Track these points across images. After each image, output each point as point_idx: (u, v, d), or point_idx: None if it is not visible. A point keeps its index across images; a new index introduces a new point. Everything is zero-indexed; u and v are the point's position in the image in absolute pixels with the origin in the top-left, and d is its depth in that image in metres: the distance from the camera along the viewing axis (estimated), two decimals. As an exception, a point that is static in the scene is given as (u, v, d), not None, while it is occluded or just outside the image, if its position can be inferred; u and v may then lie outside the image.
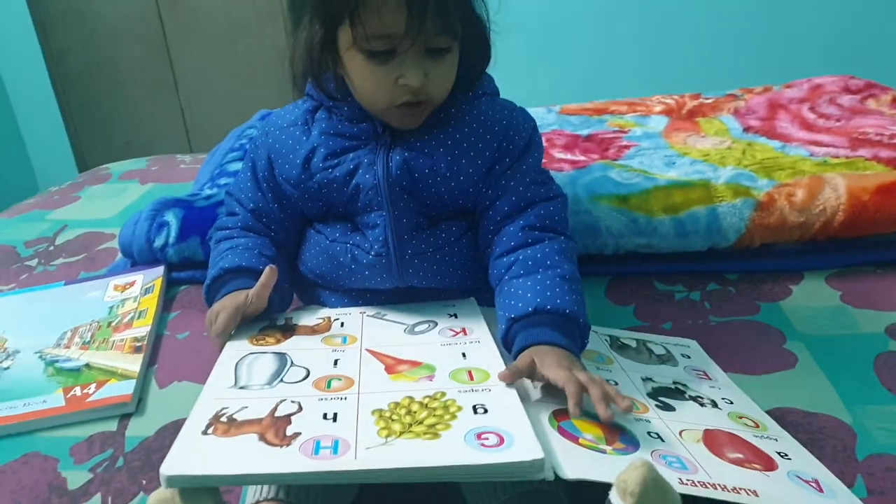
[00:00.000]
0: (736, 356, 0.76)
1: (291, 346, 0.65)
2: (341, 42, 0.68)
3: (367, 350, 0.64)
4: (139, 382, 0.74)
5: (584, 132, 1.22)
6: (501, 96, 0.80)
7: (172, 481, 0.45)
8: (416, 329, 0.69)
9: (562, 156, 1.11)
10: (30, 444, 0.67)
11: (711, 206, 0.92)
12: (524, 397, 0.56)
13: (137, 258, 0.99)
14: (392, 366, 0.61)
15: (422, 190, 0.72)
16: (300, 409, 0.53)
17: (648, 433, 0.55)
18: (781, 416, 0.67)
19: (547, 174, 0.78)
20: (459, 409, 0.53)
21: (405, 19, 0.63)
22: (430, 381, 0.58)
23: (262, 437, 0.49)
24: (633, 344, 0.76)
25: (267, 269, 0.70)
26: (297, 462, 0.47)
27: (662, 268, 0.94)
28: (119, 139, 2.92)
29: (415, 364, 0.62)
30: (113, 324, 0.86)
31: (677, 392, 0.65)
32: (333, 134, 0.74)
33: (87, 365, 0.77)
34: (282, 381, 0.58)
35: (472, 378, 0.58)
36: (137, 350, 0.79)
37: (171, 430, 0.68)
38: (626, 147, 1.13)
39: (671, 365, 0.72)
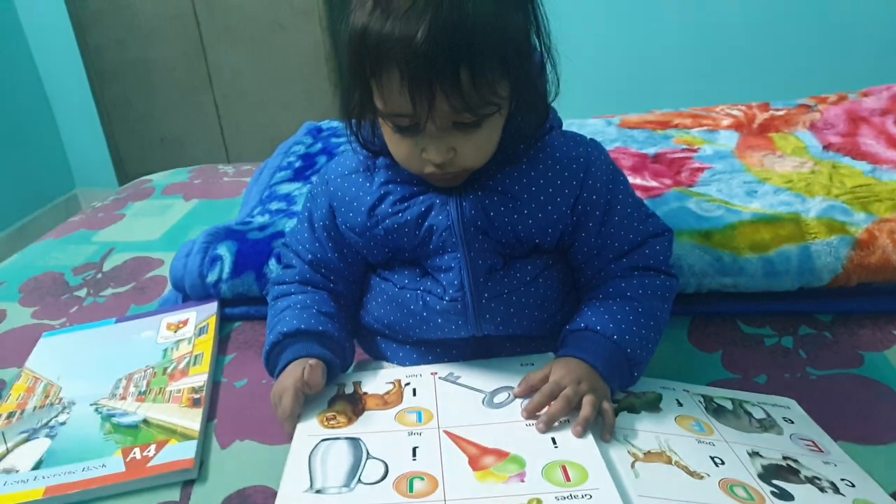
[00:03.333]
0: (846, 420, 0.69)
1: (364, 427, 0.62)
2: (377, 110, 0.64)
3: (445, 433, 0.59)
4: (200, 443, 0.70)
5: (651, 151, 1.15)
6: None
7: None
8: (496, 400, 0.64)
9: (631, 180, 1.03)
10: (91, 516, 0.64)
11: (804, 244, 0.84)
12: (633, 499, 0.51)
13: (189, 293, 0.95)
14: (476, 458, 0.56)
15: (497, 229, 0.68)
16: None
17: None
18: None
19: (647, 208, 0.74)
20: None
21: (410, 104, 0.58)
22: (522, 481, 0.53)
23: None
24: (730, 406, 0.70)
25: (307, 368, 0.65)
26: None
27: (748, 308, 0.87)
28: (154, 136, 2.91)
29: (501, 455, 0.56)
30: (168, 370, 0.82)
31: (790, 471, 0.59)
32: (401, 181, 0.70)
33: (146, 420, 0.73)
34: (360, 480, 0.54)
35: (567, 478, 0.53)
36: (196, 403, 0.76)
37: (236, 502, 0.64)
38: (700, 170, 1.06)
39: (775, 433, 0.66)
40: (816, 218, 0.87)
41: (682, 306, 0.87)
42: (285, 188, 1.16)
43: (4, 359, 0.90)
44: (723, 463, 0.58)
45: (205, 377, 0.80)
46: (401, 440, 0.59)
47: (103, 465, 0.67)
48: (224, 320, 0.93)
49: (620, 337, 0.66)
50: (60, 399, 0.78)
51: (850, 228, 0.85)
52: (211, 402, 0.78)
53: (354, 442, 0.60)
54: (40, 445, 0.70)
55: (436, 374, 0.69)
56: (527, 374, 0.66)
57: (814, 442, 0.65)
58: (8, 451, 0.70)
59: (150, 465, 0.67)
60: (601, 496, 0.51)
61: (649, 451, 0.59)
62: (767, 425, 0.67)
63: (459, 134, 0.62)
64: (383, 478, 0.54)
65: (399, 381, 0.68)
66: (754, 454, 0.61)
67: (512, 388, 0.66)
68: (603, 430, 0.61)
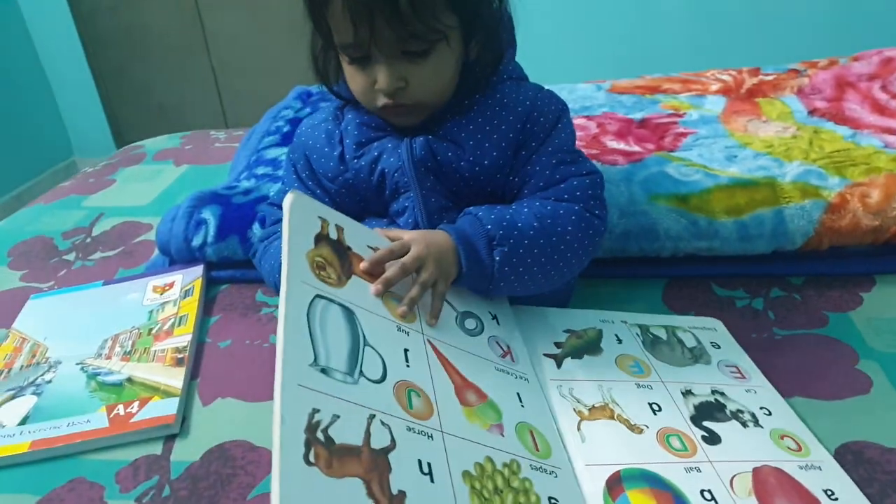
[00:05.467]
0: (804, 378, 0.72)
1: (355, 296, 0.57)
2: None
3: (430, 344, 0.60)
4: (182, 401, 0.72)
5: (638, 116, 1.15)
6: (537, 78, 0.77)
7: None
8: (467, 325, 0.66)
9: (615, 145, 1.04)
10: (76, 469, 0.66)
11: (777, 207, 0.85)
12: (577, 466, 0.55)
13: (175, 257, 0.97)
14: (461, 389, 0.58)
15: (446, 174, 0.71)
16: (393, 443, 0.47)
17: (702, 493, 0.54)
18: (859, 452, 0.63)
19: (579, 153, 0.74)
20: (538, 499, 0.51)
21: (352, 30, 0.62)
22: (502, 435, 0.56)
23: (369, 489, 0.43)
24: (664, 335, 0.75)
25: None
26: None
27: (722, 270, 0.89)
28: (152, 102, 2.90)
29: (481, 395, 0.59)
30: (153, 331, 0.84)
31: (718, 407, 0.65)
32: (360, 124, 0.74)
33: (130, 379, 0.76)
34: (362, 373, 0.51)
35: (537, 447, 0.57)
36: (179, 362, 0.78)
37: (216, 455, 0.67)
38: (683, 135, 1.06)
39: (704, 362, 0.72)
40: (792, 182, 0.88)
41: (657, 268, 0.89)
42: (273, 153, 1.17)
43: (-7, 320, 0.92)
44: (660, 409, 0.63)
45: (189, 337, 0.82)
46: (391, 333, 0.58)
47: (88, 421, 0.70)
48: (210, 283, 0.95)
49: (486, 215, 0.67)
50: (47, 358, 0.80)
51: (823, 192, 0.86)
52: (195, 361, 0.80)
53: (349, 315, 0.55)
54: (26, 402, 0.73)
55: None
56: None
57: (737, 368, 0.71)
58: (-4, 408, 0.73)
59: (132, 420, 0.70)
60: (563, 475, 0.55)
61: (593, 406, 0.63)
62: (698, 354, 0.73)
63: (409, 64, 0.65)
64: (383, 378, 0.52)
65: (378, 248, 0.65)
66: (687, 393, 0.66)
67: (479, 318, 0.68)
68: (429, 314, 0.63)
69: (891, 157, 0.93)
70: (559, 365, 0.68)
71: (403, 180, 0.71)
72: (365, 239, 0.65)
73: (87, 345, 0.82)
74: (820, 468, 0.58)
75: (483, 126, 0.70)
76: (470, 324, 0.67)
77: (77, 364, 0.79)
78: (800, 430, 0.63)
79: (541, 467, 0.54)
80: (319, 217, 0.61)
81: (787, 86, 1.22)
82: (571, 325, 0.73)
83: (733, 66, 1.39)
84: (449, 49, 0.66)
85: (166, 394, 0.73)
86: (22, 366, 0.79)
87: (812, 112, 1.11)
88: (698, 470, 0.56)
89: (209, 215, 0.95)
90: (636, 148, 1.03)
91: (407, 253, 0.63)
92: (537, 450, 0.56)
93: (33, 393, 0.74)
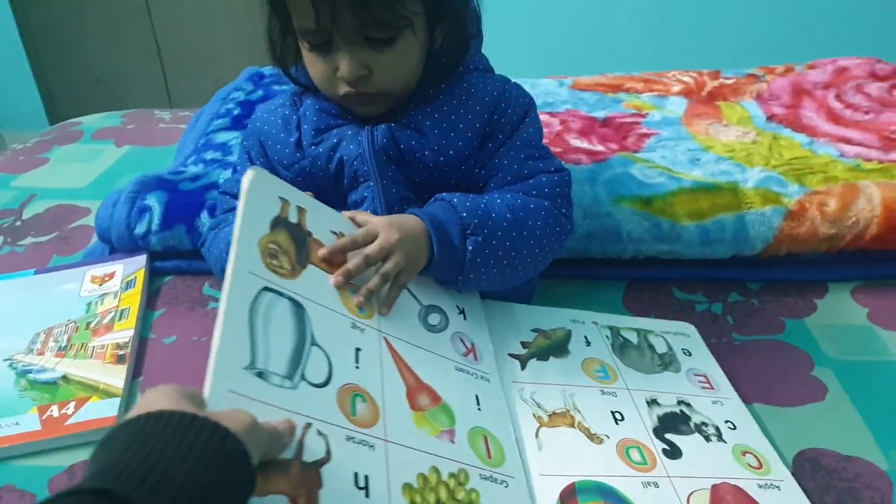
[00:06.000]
0: (763, 384, 0.72)
1: (308, 290, 0.53)
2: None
3: (386, 342, 0.57)
4: (124, 401, 0.68)
5: (601, 114, 1.14)
6: (500, 70, 0.76)
7: None
8: (430, 320, 0.63)
9: (578, 143, 1.03)
10: (3, 475, 0.61)
11: (739, 213, 0.86)
12: (535, 480, 0.54)
13: (116, 245, 0.91)
14: (413, 391, 0.55)
15: (409, 163, 0.68)
16: (328, 455, 0.44)
17: None
18: (815, 459, 0.63)
19: (546, 150, 0.73)
20: None
21: (313, 15, 0.59)
22: (452, 441, 0.53)
23: None
24: (634, 339, 0.74)
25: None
26: None
27: (682, 274, 0.89)
28: (90, 75, 2.74)
29: (435, 398, 0.56)
30: (92, 325, 0.78)
31: (683, 419, 0.64)
32: (319, 110, 0.71)
33: (65, 377, 0.70)
34: (303, 377, 0.48)
35: (489, 454, 0.54)
36: (120, 360, 0.73)
37: (160, 461, 0.62)
38: (646, 136, 1.06)
39: (674, 370, 0.71)
40: (754, 188, 0.89)
41: (618, 270, 0.89)
42: (222, 136, 1.11)
43: (-88, 309, 0.84)
44: (623, 419, 0.62)
45: (131, 332, 0.77)
46: (343, 330, 0.54)
47: (17, 423, 0.64)
48: (153, 274, 0.89)
49: (460, 202, 0.64)
50: (-28, 353, 0.74)
51: (783, 199, 0.87)
52: (137, 358, 0.75)
53: (299, 310, 0.51)
54: (-52, 402, 0.67)
55: None
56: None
57: (706, 377, 0.71)
58: (-88, 408, 0.66)
59: (67, 423, 0.65)
60: (515, 485, 0.53)
61: (554, 413, 0.61)
62: (667, 361, 0.72)
63: (372, 51, 0.62)
64: (327, 381, 0.49)
65: (342, 234, 0.61)
66: (652, 402, 0.66)
67: (444, 313, 0.65)
68: (382, 303, 0.59)
69: (846, 166, 0.95)
70: (523, 366, 0.66)
71: (363, 169, 0.68)
72: (330, 223, 0.61)
73: (16, 339, 0.76)
74: (779, 487, 0.59)
75: (448, 115, 0.68)
76: (433, 319, 0.64)
77: (5, 360, 0.73)
78: (762, 447, 0.63)
79: (491, 476, 0.52)
80: (280, 198, 0.56)
81: (747, 90, 1.24)
82: (540, 324, 0.72)
83: (689, 67, 1.40)
84: (414, 37, 0.63)
85: (106, 394, 0.68)
86: (-58, 361, 0.73)
87: (770, 118, 1.13)
88: (656, 485, 0.56)
89: (154, 202, 0.90)
90: (600, 147, 1.02)
91: (373, 241, 0.59)
92: (489, 457, 0.54)
93: (-45, 392, 0.68)
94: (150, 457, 0.32)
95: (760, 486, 0.58)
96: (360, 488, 0.44)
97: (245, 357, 0.45)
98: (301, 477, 0.42)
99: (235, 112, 1.19)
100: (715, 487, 0.57)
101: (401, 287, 0.61)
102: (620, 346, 0.72)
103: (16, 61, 2.71)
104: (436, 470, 0.50)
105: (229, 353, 0.44)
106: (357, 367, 0.52)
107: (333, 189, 0.72)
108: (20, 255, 0.95)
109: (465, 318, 0.67)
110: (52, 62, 2.71)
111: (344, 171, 0.70)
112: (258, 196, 0.54)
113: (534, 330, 0.71)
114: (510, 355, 0.67)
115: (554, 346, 0.69)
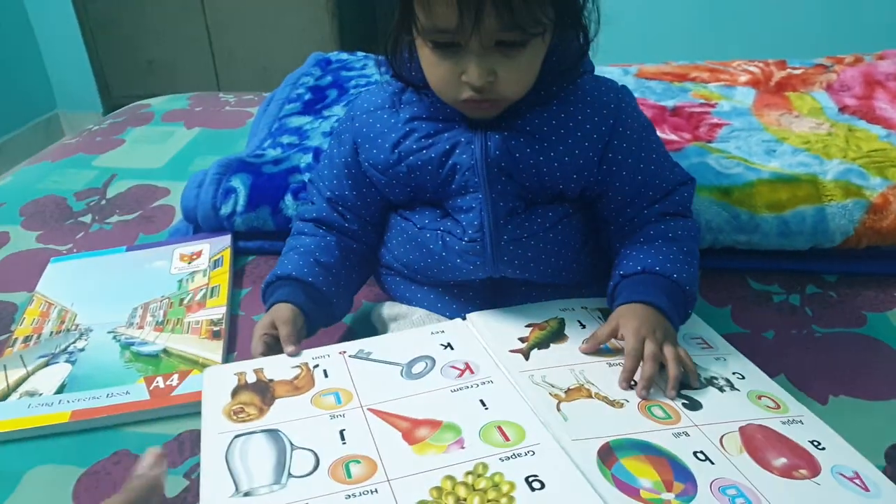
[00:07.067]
0: (847, 377, 0.72)
1: (280, 417, 0.57)
2: (416, 28, 0.62)
3: (370, 410, 0.57)
4: (223, 375, 0.71)
5: (670, 103, 1.14)
6: None
7: None
8: (414, 371, 0.63)
9: (650, 132, 1.03)
10: (119, 441, 0.64)
11: (820, 205, 0.85)
12: (567, 445, 0.53)
13: (202, 224, 0.94)
14: (409, 431, 0.55)
15: (522, 171, 0.67)
16: None
17: (696, 455, 0.53)
18: (907, 456, 0.63)
19: (669, 155, 0.74)
20: (512, 486, 0.49)
21: (456, 15, 0.57)
22: (462, 447, 0.53)
23: None
24: None
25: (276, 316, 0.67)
26: None
27: (758, 265, 0.89)
28: (141, 59, 2.80)
29: (434, 425, 0.55)
30: (185, 301, 0.81)
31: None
32: (427, 118, 0.69)
33: (166, 351, 0.74)
34: (291, 474, 0.50)
35: (506, 438, 0.54)
36: (216, 335, 0.76)
37: (262, 432, 0.65)
38: (718, 126, 1.06)
39: None
40: (834, 180, 0.88)
41: (695, 261, 0.89)
42: (296, 121, 1.14)
43: (12, 282, 0.89)
44: (635, 384, 0.61)
45: (223, 310, 0.80)
46: (324, 425, 0.56)
47: (127, 392, 0.68)
48: (237, 254, 0.92)
49: (679, 275, 0.67)
50: (77, 325, 0.78)
51: (865, 192, 0.86)
52: (230, 334, 0.78)
53: (273, 434, 0.54)
54: (61, 370, 0.70)
55: (344, 352, 0.65)
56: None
57: (702, 339, 0.70)
58: (29, 375, 0.70)
59: (173, 394, 0.68)
60: (543, 450, 0.52)
61: (569, 389, 0.61)
62: None
63: (501, 56, 0.60)
64: (315, 468, 0.51)
65: (306, 364, 0.64)
66: (659, 366, 0.64)
67: (429, 357, 0.64)
68: (691, 378, 0.62)
69: (927, 159, 0.93)
70: (527, 357, 0.65)
71: (474, 180, 0.67)
72: (287, 365, 0.64)
73: (116, 312, 0.80)
74: (801, 422, 0.58)
75: (567, 122, 0.67)
76: (418, 367, 0.63)
77: (109, 332, 0.76)
78: (775, 390, 0.63)
79: (512, 455, 0.52)
80: (235, 374, 0.62)
81: (816, 81, 1.22)
82: (532, 319, 0.70)
83: (749, 56, 1.38)
84: (542, 43, 0.62)
85: (206, 367, 0.71)
86: (52, 332, 0.76)
87: (843, 109, 1.11)
88: (686, 434, 0.55)
89: (239, 184, 0.92)
90: (673, 136, 1.02)
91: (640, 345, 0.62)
92: (507, 440, 0.54)
93: (67, 360, 0.72)
94: None
95: (784, 423, 0.58)
96: None
97: (229, 488, 0.49)
98: None
99: (306, 97, 1.21)
100: (742, 429, 0.57)
101: (688, 357, 0.63)
102: None
103: (74, 50, 2.78)
104: (450, 477, 0.49)
105: (213, 491, 0.49)
106: (344, 444, 0.53)
107: (438, 190, 0.70)
108: (109, 233, 0.99)
109: (452, 348, 0.66)
110: (107, 49, 2.77)
111: (455, 177, 0.68)
112: (215, 387, 0.61)
113: (528, 325, 0.70)
114: (511, 351, 0.66)
115: (552, 335, 0.69)
